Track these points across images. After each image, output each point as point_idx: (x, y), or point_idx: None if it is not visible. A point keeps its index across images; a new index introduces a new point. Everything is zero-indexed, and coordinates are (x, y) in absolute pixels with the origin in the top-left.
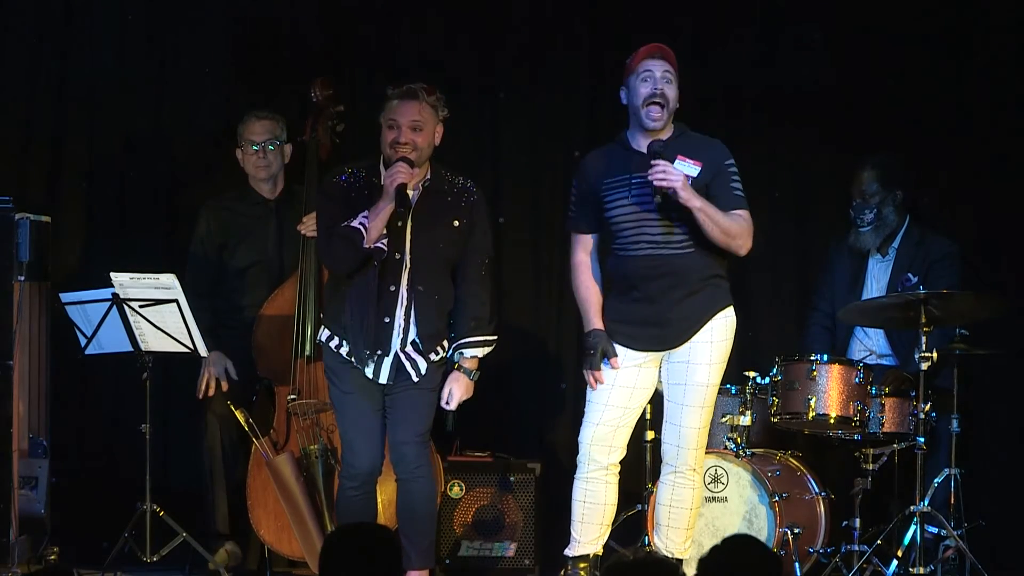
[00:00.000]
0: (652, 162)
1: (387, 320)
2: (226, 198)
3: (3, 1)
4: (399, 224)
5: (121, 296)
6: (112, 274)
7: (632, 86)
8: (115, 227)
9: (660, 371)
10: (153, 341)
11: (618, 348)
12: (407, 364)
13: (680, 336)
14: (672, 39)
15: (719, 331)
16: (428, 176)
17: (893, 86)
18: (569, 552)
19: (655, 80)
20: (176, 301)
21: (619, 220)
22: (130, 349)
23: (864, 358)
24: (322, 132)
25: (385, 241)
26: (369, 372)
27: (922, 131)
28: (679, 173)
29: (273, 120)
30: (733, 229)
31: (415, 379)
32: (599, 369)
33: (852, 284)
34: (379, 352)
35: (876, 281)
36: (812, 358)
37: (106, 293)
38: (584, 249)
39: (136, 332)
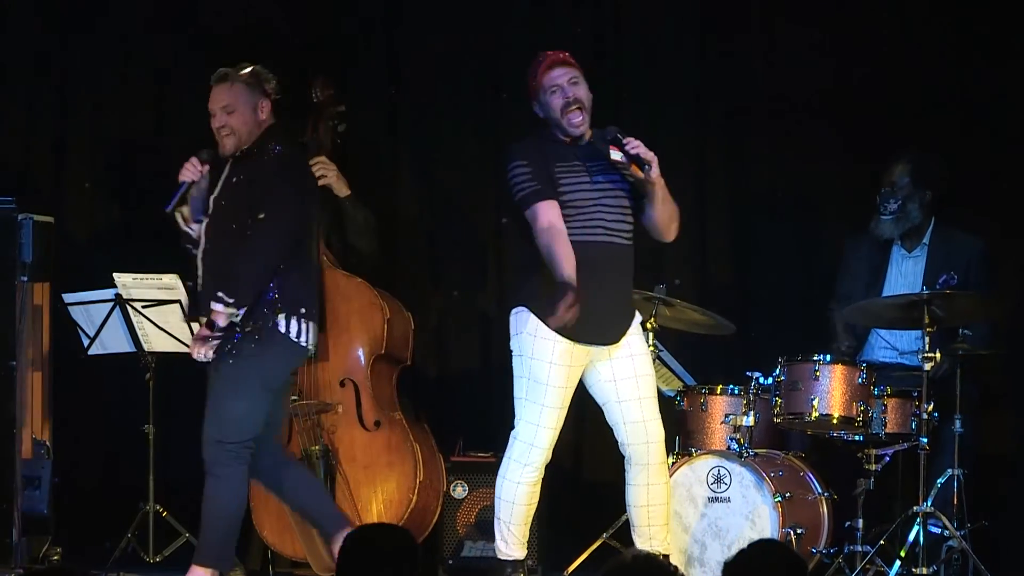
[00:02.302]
0: (626, 139)
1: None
2: None
3: (7, 3)
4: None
5: (124, 296)
6: (115, 274)
7: (544, 102)
8: (118, 227)
9: (592, 372)
10: (156, 341)
11: (567, 345)
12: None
13: (617, 331)
14: (675, 37)
15: (636, 323)
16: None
17: (898, 84)
18: (514, 555)
19: (564, 89)
20: (179, 301)
21: (577, 202)
22: (133, 349)
23: (890, 347)
24: (323, 132)
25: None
26: None
27: (925, 130)
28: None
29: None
30: (676, 212)
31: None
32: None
33: (872, 278)
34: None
35: (903, 276)
36: (815, 358)
37: (109, 293)
38: (558, 214)
39: (139, 332)
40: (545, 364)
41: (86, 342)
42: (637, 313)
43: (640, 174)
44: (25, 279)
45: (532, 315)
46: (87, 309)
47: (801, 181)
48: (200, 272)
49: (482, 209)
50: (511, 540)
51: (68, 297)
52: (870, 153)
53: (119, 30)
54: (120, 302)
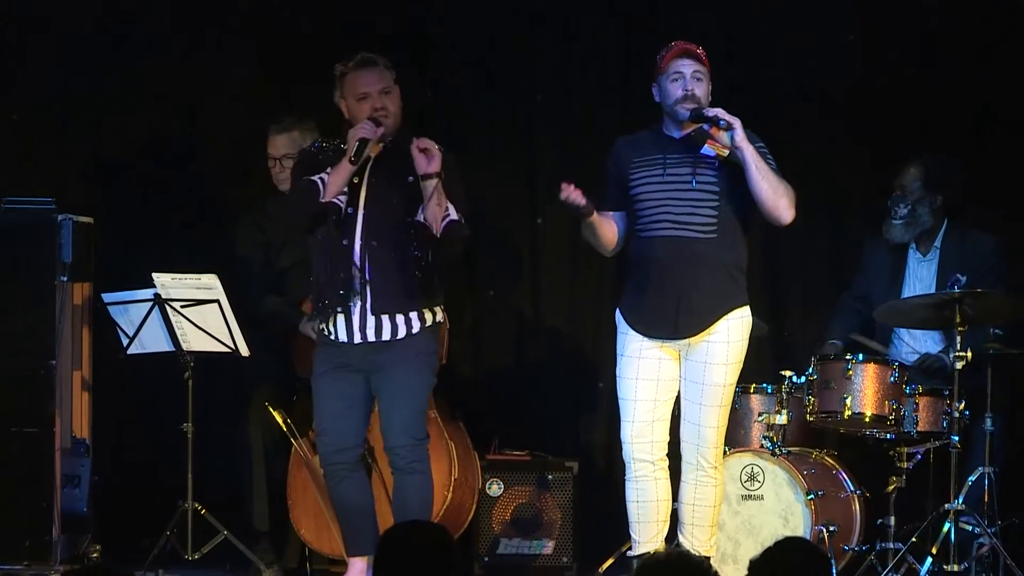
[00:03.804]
0: (707, 108)
1: (342, 275)
2: (265, 202)
3: (39, 4)
4: (355, 181)
5: (163, 296)
6: (154, 274)
7: (663, 86)
8: (157, 227)
9: (680, 363)
10: (195, 341)
11: (637, 338)
12: (371, 323)
13: (693, 326)
14: (702, 40)
15: (735, 331)
16: (391, 138)
17: (914, 85)
18: (631, 553)
19: (685, 80)
20: (218, 301)
21: (644, 196)
22: (172, 349)
23: (913, 351)
24: None
25: (343, 198)
26: (339, 331)
27: (942, 131)
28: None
29: (294, 131)
30: (781, 187)
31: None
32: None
33: (891, 282)
34: (338, 308)
35: (919, 280)
36: (847, 357)
37: (148, 293)
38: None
39: (178, 332)
40: (621, 357)
41: (125, 342)
42: (739, 321)
43: (722, 137)
44: (65, 279)
45: (618, 311)
46: (126, 309)
47: (831, 182)
48: (354, 267)
49: (517, 209)
50: (633, 538)
51: (107, 297)
52: (892, 152)
53: (151, 29)
54: (159, 302)
